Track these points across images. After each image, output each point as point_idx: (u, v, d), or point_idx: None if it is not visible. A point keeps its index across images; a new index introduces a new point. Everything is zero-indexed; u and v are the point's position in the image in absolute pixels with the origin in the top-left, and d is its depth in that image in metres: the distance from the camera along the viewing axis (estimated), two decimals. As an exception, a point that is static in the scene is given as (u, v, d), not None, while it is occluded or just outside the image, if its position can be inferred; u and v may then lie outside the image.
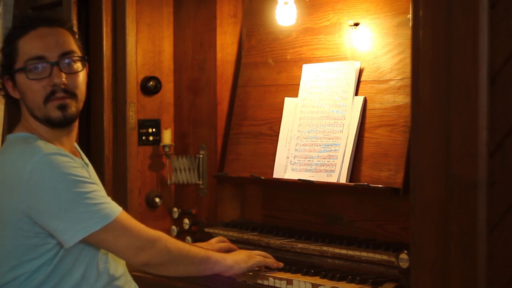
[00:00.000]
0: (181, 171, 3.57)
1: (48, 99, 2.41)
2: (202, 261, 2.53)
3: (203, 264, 2.54)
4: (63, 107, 2.41)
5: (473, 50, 2.02)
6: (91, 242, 2.35)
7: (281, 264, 2.79)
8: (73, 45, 2.48)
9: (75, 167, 2.34)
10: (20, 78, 2.43)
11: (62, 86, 2.40)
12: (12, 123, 3.82)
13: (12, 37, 2.45)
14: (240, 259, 2.66)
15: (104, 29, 3.56)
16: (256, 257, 2.73)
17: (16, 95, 2.47)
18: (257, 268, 2.74)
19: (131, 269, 2.60)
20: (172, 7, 3.70)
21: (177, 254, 2.47)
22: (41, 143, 2.36)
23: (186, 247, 2.52)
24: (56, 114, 2.41)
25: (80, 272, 2.38)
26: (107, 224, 2.31)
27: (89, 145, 3.64)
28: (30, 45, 2.43)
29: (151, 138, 3.63)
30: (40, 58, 2.41)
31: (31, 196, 2.29)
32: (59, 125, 2.44)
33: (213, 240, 2.95)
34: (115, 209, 2.35)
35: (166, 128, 3.63)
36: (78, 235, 2.30)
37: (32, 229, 2.32)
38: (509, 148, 2.00)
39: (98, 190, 2.36)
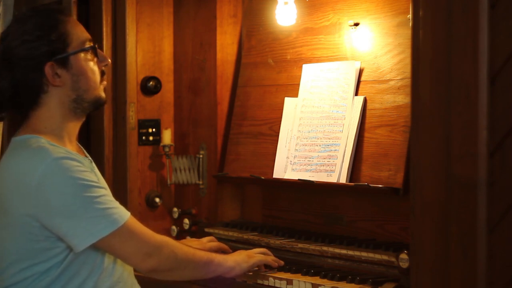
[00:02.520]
0: (181, 171, 3.57)
1: (100, 80, 2.49)
2: (206, 264, 2.53)
3: (206, 267, 2.54)
4: (104, 89, 2.52)
5: (473, 50, 2.01)
6: (99, 247, 2.34)
7: (281, 262, 2.79)
8: None
9: (84, 171, 2.32)
10: (78, 60, 2.42)
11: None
12: (12, 125, 3.82)
13: (56, 23, 2.41)
14: (241, 259, 2.66)
15: (104, 29, 3.56)
16: (256, 255, 2.73)
17: (57, 82, 2.40)
18: (257, 268, 2.74)
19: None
20: (172, 7, 3.70)
21: (183, 259, 2.46)
22: (49, 146, 2.32)
23: (191, 251, 2.51)
24: (103, 94, 2.50)
25: (86, 274, 2.37)
26: (115, 229, 2.30)
27: (89, 145, 3.63)
28: (78, 29, 2.46)
29: (151, 138, 3.63)
30: (91, 41, 2.48)
31: (40, 201, 2.27)
32: (101, 106, 2.52)
33: (204, 239, 2.95)
34: (124, 214, 2.34)
35: (166, 128, 3.63)
36: (88, 240, 2.29)
37: (41, 233, 2.30)
38: (509, 148, 2.00)
39: (106, 195, 2.35)
